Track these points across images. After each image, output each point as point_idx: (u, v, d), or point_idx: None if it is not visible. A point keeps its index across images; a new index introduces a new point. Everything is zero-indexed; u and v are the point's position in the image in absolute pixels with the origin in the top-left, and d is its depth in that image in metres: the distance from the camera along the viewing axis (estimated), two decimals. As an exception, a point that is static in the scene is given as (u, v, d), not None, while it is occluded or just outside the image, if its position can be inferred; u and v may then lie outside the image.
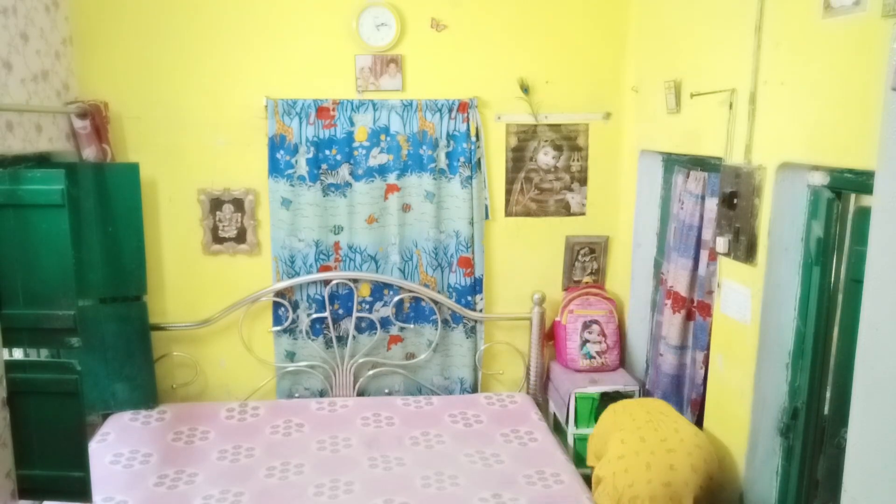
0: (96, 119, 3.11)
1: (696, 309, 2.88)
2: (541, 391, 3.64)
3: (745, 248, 2.37)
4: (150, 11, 3.25)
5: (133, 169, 3.19)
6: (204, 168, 3.41)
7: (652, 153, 3.26)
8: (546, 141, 3.58)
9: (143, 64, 3.29)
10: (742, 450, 2.45)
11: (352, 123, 3.41)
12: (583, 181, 3.64)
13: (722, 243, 2.48)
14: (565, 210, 3.66)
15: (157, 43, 3.28)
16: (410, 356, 3.65)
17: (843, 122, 1.95)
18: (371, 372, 3.62)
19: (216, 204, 3.44)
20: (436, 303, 3.57)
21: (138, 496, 2.66)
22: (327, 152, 3.42)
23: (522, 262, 3.67)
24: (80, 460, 2.30)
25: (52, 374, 2.24)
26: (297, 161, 3.40)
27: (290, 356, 3.59)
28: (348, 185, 3.46)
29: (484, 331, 3.66)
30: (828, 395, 2.10)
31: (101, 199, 3.11)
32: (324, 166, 3.43)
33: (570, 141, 3.59)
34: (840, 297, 2.03)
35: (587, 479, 2.86)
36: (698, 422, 2.80)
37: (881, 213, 1.34)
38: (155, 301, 3.42)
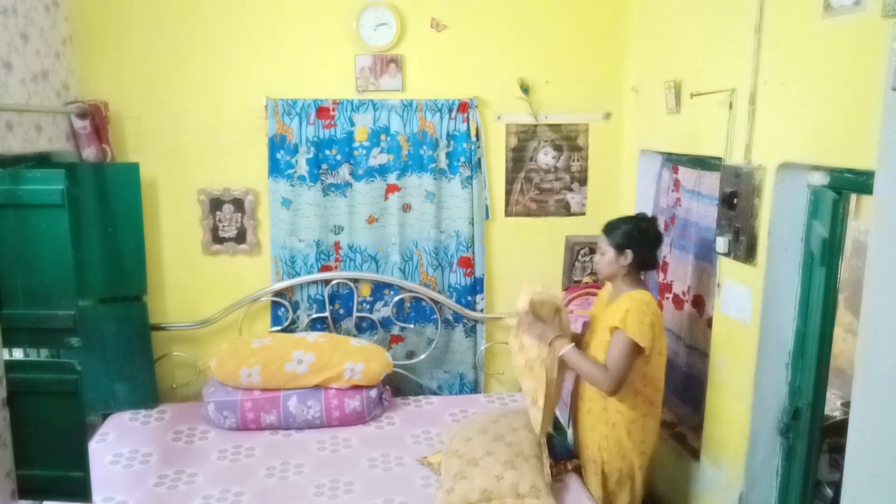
0: (96, 119, 3.11)
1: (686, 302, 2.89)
2: (541, 391, 3.64)
3: (745, 248, 2.37)
4: (150, 11, 3.25)
5: (133, 169, 3.19)
6: (204, 168, 3.41)
7: (652, 153, 3.26)
8: (546, 141, 3.57)
9: (143, 64, 3.29)
10: (742, 450, 2.45)
11: (352, 123, 3.41)
12: (583, 181, 3.64)
13: (722, 243, 2.48)
14: (565, 210, 3.66)
15: (157, 43, 3.28)
16: (411, 356, 3.65)
17: (842, 122, 1.95)
18: (371, 372, 3.62)
19: (216, 204, 3.44)
20: (436, 303, 3.57)
21: (138, 496, 2.66)
22: (327, 152, 3.42)
23: (522, 262, 3.67)
24: (80, 460, 2.29)
25: (52, 374, 2.24)
26: (297, 161, 3.40)
27: (291, 356, 3.58)
28: (348, 185, 3.46)
29: (485, 330, 3.67)
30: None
31: (101, 199, 3.11)
32: (324, 166, 3.43)
33: (570, 141, 3.59)
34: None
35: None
36: (699, 422, 2.80)
37: (881, 213, 1.34)
38: (155, 301, 3.42)
